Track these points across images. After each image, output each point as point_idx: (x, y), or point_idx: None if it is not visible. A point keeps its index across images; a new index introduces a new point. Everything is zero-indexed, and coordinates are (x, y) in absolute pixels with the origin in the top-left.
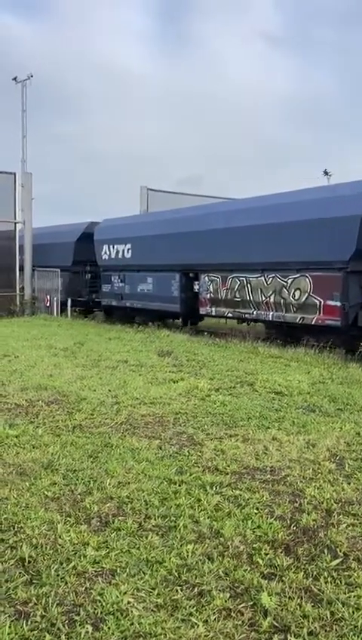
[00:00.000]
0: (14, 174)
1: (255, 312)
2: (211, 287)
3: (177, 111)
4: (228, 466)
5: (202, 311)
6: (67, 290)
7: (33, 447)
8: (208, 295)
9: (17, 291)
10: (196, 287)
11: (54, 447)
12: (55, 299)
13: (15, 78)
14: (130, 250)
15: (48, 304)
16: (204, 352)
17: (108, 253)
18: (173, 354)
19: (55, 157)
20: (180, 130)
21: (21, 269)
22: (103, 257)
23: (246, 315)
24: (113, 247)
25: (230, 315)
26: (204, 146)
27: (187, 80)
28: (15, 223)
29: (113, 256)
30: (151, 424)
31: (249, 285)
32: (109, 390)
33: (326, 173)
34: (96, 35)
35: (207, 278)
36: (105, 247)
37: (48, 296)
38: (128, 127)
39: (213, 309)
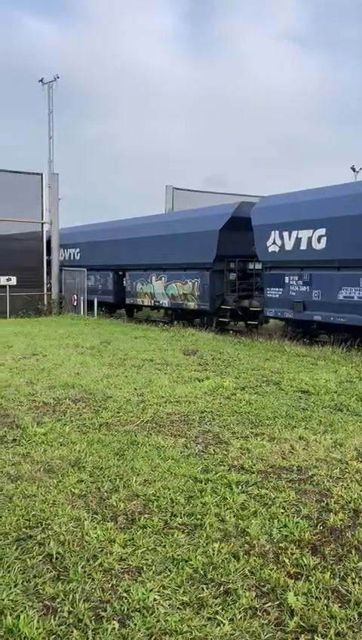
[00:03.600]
0: (41, 175)
1: None
2: None
3: (201, 111)
4: (254, 465)
5: None
6: (205, 294)
7: (60, 445)
8: None
9: (45, 291)
10: None
11: (81, 445)
12: (82, 298)
13: (42, 80)
14: (322, 238)
15: (75, 303)
16: (229, 351)
17: (278, 243)
18: (198, 353)
19: (80, 158)
20: (205, 129)
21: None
22: (270, 249)
23: None
24: (289, 234)
25: None
26: (228, 146)
27: (212, 80)
28: (42, 224)
29: (289, 247)
30: (176, 422)
31: None
32: (135, 389)
33: (354, 169)
34: (121, 36)
35: None
36: (274, 234)
37: (75, 296)
38: (152, 127)
39: None
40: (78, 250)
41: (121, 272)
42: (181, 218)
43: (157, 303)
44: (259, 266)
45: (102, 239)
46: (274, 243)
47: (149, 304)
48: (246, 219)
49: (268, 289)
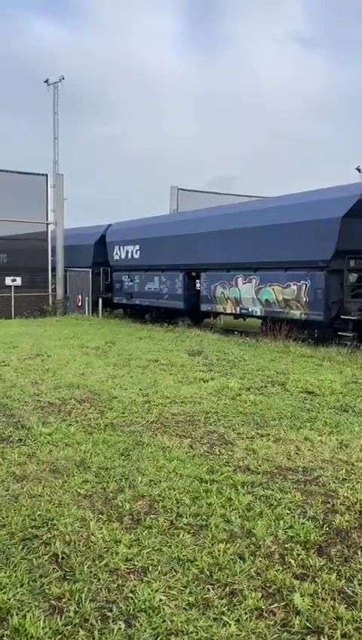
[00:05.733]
0: (46, 176)
1: None
2: None
3: (208, 112)
4: (260, 466)
5: None
6: (317, 301)
7: (66, 445)
8: None
9: (50, 291)
10: None
11: (86, 445)
12: (86, 298)
13: (47, 81)
14: None
15: (80, 304)
16: (234, 352)
17: None
18: (203, 353)
19: (85, 159)
20: (211, 131)
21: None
22: None
23: None
24: None
25: None
26: (235, 147)
27: (218, 81)
28: (47, 224)
29: None
30: (182, 423)
31: None
32: (140, 389)
33: (359, 170)
34: (127, 38)
35: None
36: None
37: (80, 296)
38: (157, 128)
39: None
40: (137, 247)
41: (193, 273)
42: (281, 205)
43: (244, 311)
44: None
45: (170, 234)
46: None
47: (233, 312)
48: None
49: None
